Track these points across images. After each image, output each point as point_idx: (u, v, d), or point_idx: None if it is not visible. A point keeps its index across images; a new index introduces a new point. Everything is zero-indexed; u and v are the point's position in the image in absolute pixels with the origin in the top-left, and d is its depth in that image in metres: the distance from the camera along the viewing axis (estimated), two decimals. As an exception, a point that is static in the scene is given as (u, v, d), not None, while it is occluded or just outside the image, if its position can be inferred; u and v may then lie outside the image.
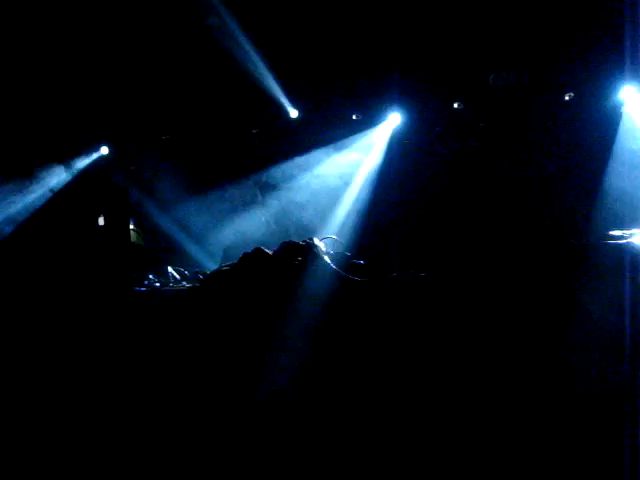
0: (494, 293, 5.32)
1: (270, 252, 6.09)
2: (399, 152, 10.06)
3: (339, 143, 10.35)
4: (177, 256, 7.55)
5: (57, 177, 10.10)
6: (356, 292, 5.26)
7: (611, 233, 6.35)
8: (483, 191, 9.93)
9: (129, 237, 6.67)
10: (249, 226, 10.02)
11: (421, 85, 9.71)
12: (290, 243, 6.23)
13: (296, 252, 5.95)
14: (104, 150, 10.90)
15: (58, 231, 9.04)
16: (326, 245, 6.68)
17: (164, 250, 8.04)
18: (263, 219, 10.35)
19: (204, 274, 6.05)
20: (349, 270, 5.97)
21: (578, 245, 5.61)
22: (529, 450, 4.24)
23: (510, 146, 9.76)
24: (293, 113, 10.40)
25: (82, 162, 10.55)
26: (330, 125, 10.33)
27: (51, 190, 9.59)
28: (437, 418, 4.65)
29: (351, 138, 10.30)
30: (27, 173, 9.51)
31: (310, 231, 8.60)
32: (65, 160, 10.03)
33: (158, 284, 5.55)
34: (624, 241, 5.74)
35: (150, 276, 5.69)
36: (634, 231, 6.27)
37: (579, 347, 4.76)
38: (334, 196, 10.22)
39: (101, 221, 7.04)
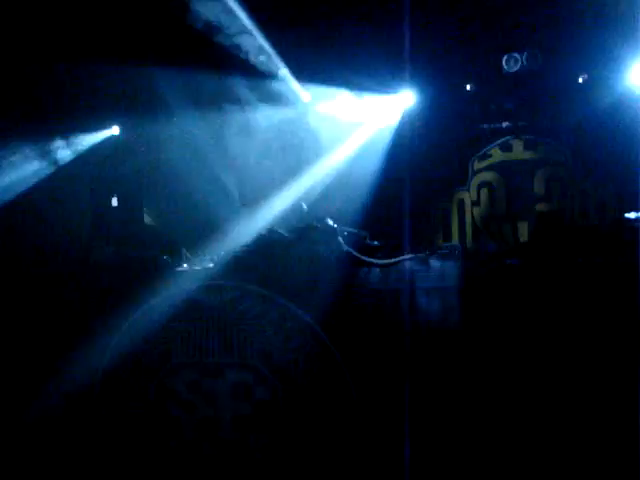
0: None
1: (284, 233, 6.03)
2: (411, 132, 10.04)
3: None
4: (190, 238, 7.53)
5: (64, 151, 10.06)
6: (376, 275, 5.20)
7: (627, 216, 6.34)
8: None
9: (142, 218, 6.67)
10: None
11: (434, 66, 9.66)
12: (307, 225, 6.19)
13: (313, 235, 5.88)
14: (115, 130, 10.89)
15: (69, 211, 9.07)
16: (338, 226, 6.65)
17: (177, 232, 8.05)
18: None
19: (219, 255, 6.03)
20: (364, 252, 5.91)
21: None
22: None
23: (522, 129, 9.74)
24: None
25: (91, 138, 10.52)
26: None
27: (55, 162, 9.55)
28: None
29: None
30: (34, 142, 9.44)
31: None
32: (73, 134, 10.01)
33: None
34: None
35: (164, 257, 5.66)
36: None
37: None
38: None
39: (114, 202, 7.04)
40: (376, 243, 6.23)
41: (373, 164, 9.94)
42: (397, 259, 5.16)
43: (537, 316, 4.97)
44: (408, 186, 9.31)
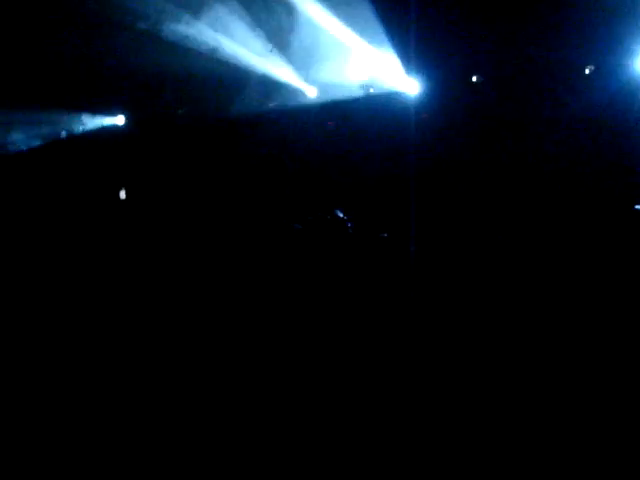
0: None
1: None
2: (416, 122, 10.11)
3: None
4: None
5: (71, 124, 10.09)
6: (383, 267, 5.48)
7: (637, 207, 6.36)
8: (500, 165, 9.94)
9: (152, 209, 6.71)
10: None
11: (440, 57, 9.70)
12: (316, 217, 6.25)
13: (324, 227, 6.08)
14: (120, 120, 10.96)
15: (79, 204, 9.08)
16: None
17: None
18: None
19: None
20: (374, 243, 6.13)
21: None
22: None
23: (529, 120, 9.76)
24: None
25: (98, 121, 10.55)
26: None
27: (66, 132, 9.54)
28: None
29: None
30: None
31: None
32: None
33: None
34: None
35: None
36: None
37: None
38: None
39: (122, 195, 7.06)
40: (385, 235, 6.48)
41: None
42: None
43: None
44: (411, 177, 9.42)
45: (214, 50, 9.81)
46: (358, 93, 10.69)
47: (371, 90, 10.56)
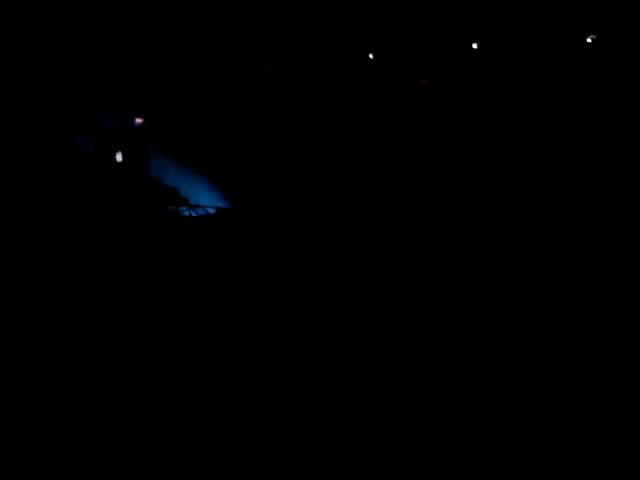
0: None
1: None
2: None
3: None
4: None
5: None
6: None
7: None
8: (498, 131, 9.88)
9: (148, 173, 6.60)
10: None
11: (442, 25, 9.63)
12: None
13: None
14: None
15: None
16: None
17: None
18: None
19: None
20: None
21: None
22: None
23: (531, 90, 9.68)
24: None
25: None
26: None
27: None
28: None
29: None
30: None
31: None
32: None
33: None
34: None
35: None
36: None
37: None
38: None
39: (119, 157, 6.95)
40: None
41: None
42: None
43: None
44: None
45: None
46: None
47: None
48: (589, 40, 9.14)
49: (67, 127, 8.42)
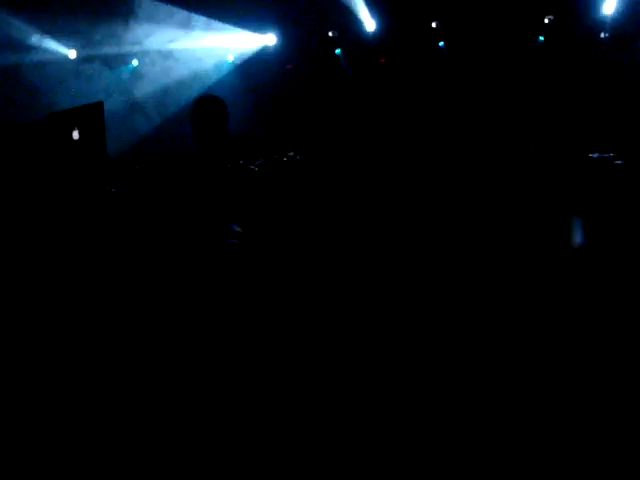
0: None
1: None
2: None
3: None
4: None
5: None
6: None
7: (591, 155, 6.43)
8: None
9: (105, 150, 6.50)
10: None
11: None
12: (271, 159, 6.10)
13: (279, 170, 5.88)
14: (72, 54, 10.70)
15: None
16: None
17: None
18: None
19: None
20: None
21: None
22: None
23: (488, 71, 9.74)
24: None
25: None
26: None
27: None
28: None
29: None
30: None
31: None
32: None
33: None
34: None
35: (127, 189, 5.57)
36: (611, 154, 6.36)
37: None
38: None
39: (75, 135, 6.83)
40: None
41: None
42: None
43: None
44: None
45: None
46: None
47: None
48: (546, 21, 9.23)
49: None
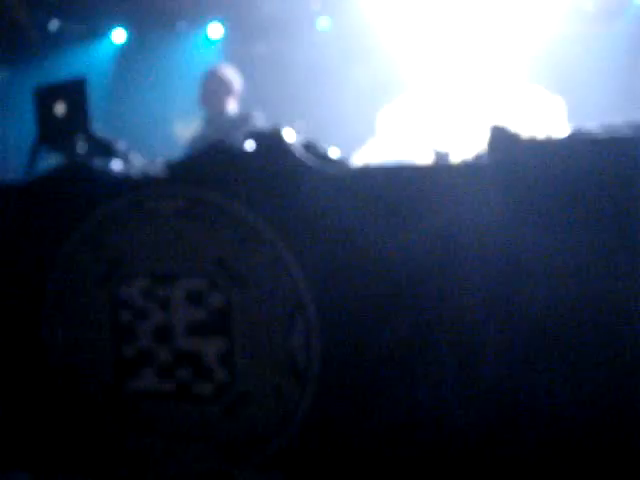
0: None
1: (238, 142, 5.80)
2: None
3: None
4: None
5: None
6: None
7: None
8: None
9: (90, 125, 6.36)
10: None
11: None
12: (261, 134, 5.92)
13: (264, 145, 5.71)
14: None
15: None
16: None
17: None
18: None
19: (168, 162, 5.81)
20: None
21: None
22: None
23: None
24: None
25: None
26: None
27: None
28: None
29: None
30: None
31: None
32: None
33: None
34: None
35: (116, 165, 5.46)
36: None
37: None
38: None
39: (60, 109, 6.68)
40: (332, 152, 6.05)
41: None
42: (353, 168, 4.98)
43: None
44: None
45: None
46: None
47: None
48: None
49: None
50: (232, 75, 7.08)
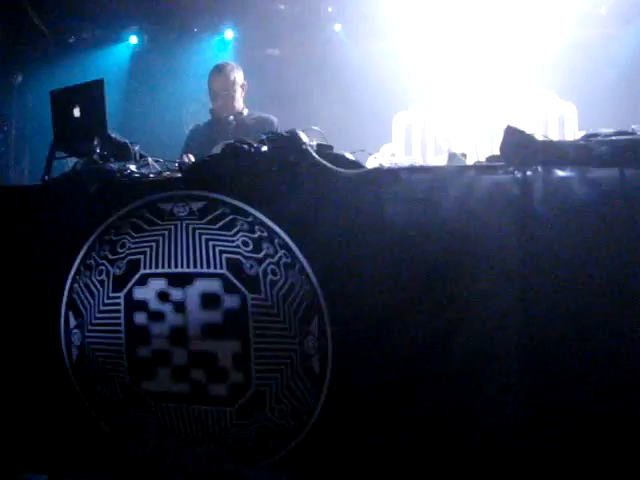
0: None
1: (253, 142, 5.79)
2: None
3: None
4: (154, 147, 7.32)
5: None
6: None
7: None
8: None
9: (106, 128, 6.37)
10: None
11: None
12: (275, 135, 5.91)
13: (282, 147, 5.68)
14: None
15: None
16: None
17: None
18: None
19: (182, 164, 5.81)
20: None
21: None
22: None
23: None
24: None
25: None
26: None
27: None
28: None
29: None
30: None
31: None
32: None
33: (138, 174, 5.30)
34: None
35: (131, 167, 5.47)
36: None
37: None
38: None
39: (77, 112, 6.71)
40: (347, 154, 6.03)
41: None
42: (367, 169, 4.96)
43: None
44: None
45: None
46: None
47: None
48: None
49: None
50: (237, 72, 7.05)
